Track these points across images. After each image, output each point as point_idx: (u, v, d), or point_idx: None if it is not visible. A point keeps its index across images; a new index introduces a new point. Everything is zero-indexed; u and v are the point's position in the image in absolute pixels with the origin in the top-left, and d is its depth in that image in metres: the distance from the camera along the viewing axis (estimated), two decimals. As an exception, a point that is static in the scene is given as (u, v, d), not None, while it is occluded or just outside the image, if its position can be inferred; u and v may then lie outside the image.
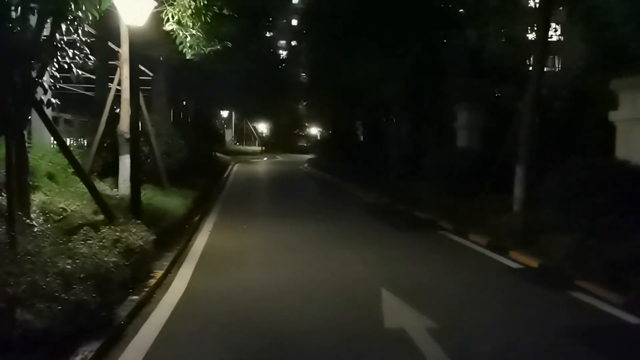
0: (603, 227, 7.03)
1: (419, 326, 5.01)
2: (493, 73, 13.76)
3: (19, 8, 5.04)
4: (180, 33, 8.50)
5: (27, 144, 5.84)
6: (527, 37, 12.80)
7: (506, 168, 10.32)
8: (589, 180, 7.48)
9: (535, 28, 10.14)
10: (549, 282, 6.83)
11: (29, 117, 6.57)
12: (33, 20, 5.26)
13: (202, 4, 8.12)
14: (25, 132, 5.78)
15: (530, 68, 10.81)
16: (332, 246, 8.94)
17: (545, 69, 10.66)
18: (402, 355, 4.46)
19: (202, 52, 9.13)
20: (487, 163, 11.29)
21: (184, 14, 8.14)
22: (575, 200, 7.55)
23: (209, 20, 8.42)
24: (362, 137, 29.52)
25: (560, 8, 11.50)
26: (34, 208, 5.77)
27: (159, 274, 6.46)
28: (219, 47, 9.51)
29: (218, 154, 30.03)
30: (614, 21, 8.29)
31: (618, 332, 5.27)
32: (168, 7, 8.12)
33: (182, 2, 8.04)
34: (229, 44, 9.94)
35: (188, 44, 8.74)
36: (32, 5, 5.09)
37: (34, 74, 5.42)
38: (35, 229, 5.20)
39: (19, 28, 5.09)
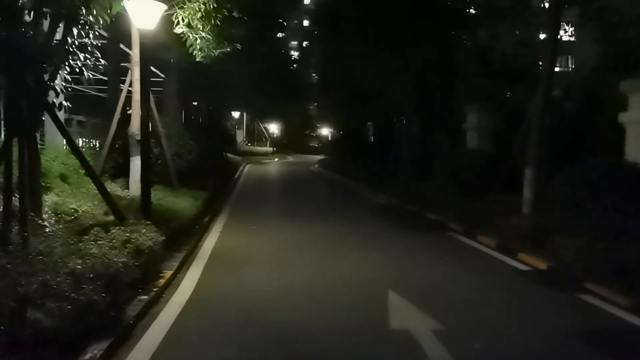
0: (612, 230, 7.00)
1: (425, 328, 5.03)
2: (503, 74, 13.71)
3: (32, 12, 5.14)
4: (190, 36, 8.59)
5: (39, 146, 5.95)
6: (538, 38, 12.75)
7: (516, 169, 10.28)
8: (598, 182, 7.45)
9: (546, 28, 10.11)
10: (557, 284, 6.81)
11: (42, 120, 6.69)
12: (46, 24, 5.36)
13: (211, 6, 8.19)
14: (37, 134, 5.90)
15: (541, 69, 10.76)
16: (341, 247, 8.97)
17: (557, 69, 10.60)
18: (408, 357, 4.48)
19: (212, 54, 9.20)
20: (497, 164, 11.26)
21: (193, 17, 8.22)
22: (584, 202, 7.53)
23: (218, 23, 8.48)
24: (372, 138, 29.50)
25: (572, 8, 11.44)
26: (46, 209, 5.87)
27: (168, 274, 6.54)
28: (228, 49, 9.58)
29: (229, 155, 30.19)
30: (624, 22, 8.24)
31: (626, 335, 5.24)
32: (178, 10, 8.20)
33: (192, 5, 8.12)
34: (239, 46, 10.01)
35: (198, 47, 8.83)
36: (44, 9, 5.19)
37: (46, 77, 5.52)
38: (47, 230, 5.29)
39: (31, 32, 5.19)
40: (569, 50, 16.64)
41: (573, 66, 20.21)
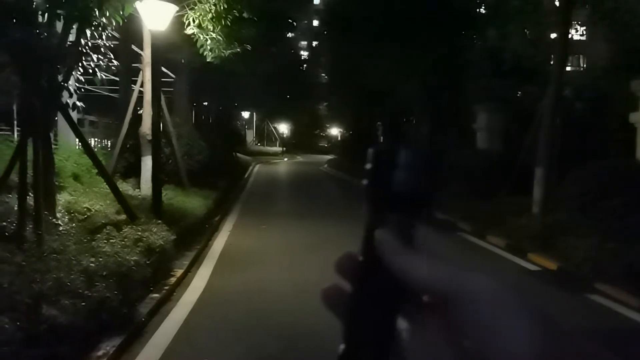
0: (622, 230, 6.98)
1: (434, 327, 5.03)
2: (514, 73, 13.67)
3: (46, 14, 5.23)
4: (201, 36, 8.66)
5: (53, 146, 6.05)
6: (549, 37, 12.69)
7: (526, 169, 10.25)
8: (608, 182, 7.43)
9: (556, 28, 10.07)
10: (567, 284, 6.79)
11: (55, 120, 6.78)
12: (59, 26, 5.45)
13: (222, 7, 8.25)
14: (51, 134, 5.99)
15: (552, 68, 10.72)
16: (351, 246, 8.87)
17: (568, 69, 10.56)
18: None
19: (223, 55, 9.27)
20: (507, 164, 11.23)
21: (204, 18, 8.29)
22: (594, 202, 7.50)
23: (229, 24, 8.55)
24: (382, 138, 29.47)
25: (584, 7, 11.38)
26: (59, 208, 5.96)
27: (179, 272, 6.60)
28: (239, 50, 9.64)
29: (239, 155, 30.28)
30: (634, 22, 8.20)
31: (636, 335, 5.23)
32: (189, 12, 8.27)
33: (202, 7, 8.19)
34: (249, 47, 10.06)
35: (208, 47, 8.89)
36: (58, 11, 5.27)
37: (60, 78, 5.61)
38: (61, 228, 5.39)
39: (45, 34, 5.28)
40: (580, 50, 16.53)
41: (585, 65, 20.07)
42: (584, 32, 15.21)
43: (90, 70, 6.12)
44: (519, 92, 15.00)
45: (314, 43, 45.81)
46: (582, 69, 18.34)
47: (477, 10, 16.20)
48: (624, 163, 7.97)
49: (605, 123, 11.18)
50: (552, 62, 10.36)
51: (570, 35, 9.94)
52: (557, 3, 10.45)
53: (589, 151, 9.69)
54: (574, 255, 7.18)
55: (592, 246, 6.98)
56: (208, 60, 9.30)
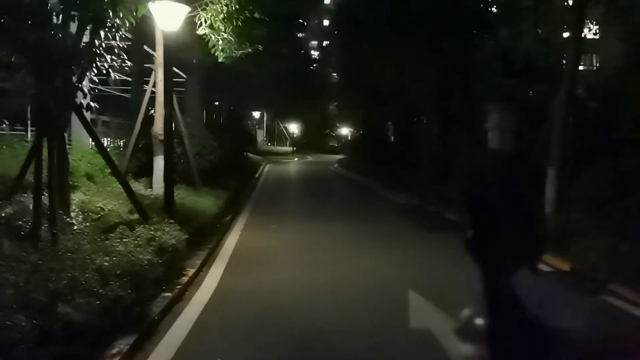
0: (637, 231, 6.91)
1: (446, 328, 5.02)
2: (525, 72, 13.58)
3: (60, 16, 5.28)
4: (213, 37, 8.71)
5: (67, 146, 6.11)
6: (562, 36, 12.60)
7: (538, 170, 10.16)
8: (621, 182, 7.36)
9: (569, 27, 9.99)
10: (580, 285, 6.74)
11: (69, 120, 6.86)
12: (73, 27, 5.51)
13: (234, 8, 8.30)
14: (65, 135, 6.05)
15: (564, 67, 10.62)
16: (361, 246, 8.99)
17: (581, 68, 10.47)
18: (429, 358, 4.50)
19: (234, 55, 9.32)
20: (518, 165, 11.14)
21: (216, 19, 8.35)
22: (608, 203, 7.43)
23: (240, 24, 8.60)
24: (392, 138, 29.42)
25: (598, 4, 11.26)
26: (73, 207, 6.02)
27: (191, 272, 6.64)
28: (250, 50, 9.68)
29: (250, 155, 30.37)
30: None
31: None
32: (201, 12, 8.33)
33: (214, 7, 8.24)
34: (260, 47, 10.11)
35: (220, 48, 8.96)
36: (72, 13, 5.33)
37: (74, 79, 5.67)
38: (75, 227, 5.44)
39: (60, 35, 5.34)
40: (593, 49, 16.39)
41: (597, 64, 19.90)
42: (597, 31, 15.07)
43: (104, 71, 6.19)
44: (531, 92, 14.88)
45: (325, 43, 45.75)
46: (595, 68, 18.17)
47: (489, 9, 16.12)
48: (637, 163, 7.88)
49: (618, 122, 11.06)
50: (564, 61, 10.26)
51: (583, 34, 9.85)
52: (569, 1, 10.38)
53: (602, 151, 9.58)
54: (587, 256, 7.11)
55: (606, 247, 6.91)
56: (219, 60, 9.36)
